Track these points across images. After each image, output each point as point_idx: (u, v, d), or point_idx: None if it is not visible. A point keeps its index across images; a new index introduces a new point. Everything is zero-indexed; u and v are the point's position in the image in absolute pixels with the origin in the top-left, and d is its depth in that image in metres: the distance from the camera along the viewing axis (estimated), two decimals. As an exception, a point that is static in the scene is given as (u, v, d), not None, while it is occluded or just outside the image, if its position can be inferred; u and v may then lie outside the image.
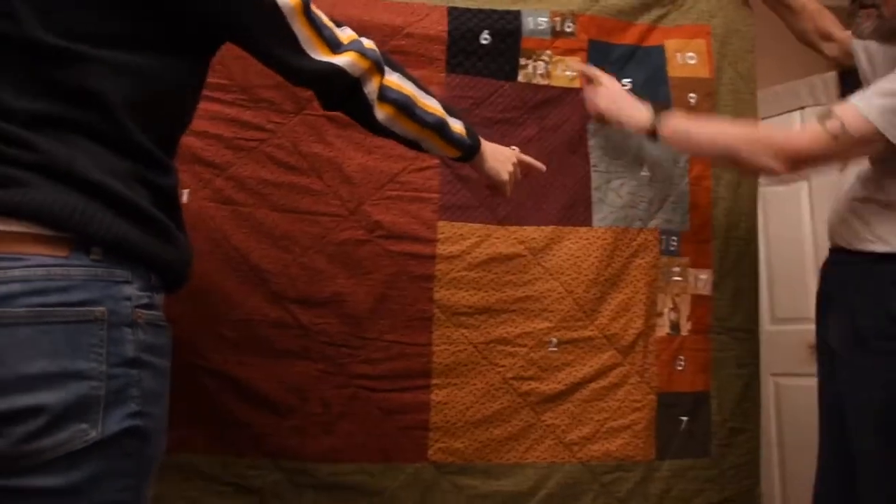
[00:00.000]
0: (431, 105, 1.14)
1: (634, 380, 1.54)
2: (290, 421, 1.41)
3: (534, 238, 1.55)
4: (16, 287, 0.75)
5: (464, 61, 1.54)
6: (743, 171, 1.55)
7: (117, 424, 0.79)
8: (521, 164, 1.35)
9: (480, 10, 1.56)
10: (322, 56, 0.98)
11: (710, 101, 1.65)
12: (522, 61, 1.57)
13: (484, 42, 1.54)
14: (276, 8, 0.92)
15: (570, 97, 1.60)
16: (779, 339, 2.59)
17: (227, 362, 1.39)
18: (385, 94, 1.07)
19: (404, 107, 1.10)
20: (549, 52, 1.59)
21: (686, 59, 1.65)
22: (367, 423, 1.43)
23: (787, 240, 2.71)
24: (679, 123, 1.43)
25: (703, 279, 1.61)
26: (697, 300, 1.61)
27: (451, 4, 1.55)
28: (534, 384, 1.50)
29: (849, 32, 1.55)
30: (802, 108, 2.67)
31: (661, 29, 1.66)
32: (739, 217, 1.66)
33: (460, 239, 1.52)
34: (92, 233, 0.79)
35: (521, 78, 1.57)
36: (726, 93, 1.67)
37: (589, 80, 1.56)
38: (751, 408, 1.63)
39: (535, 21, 1.58)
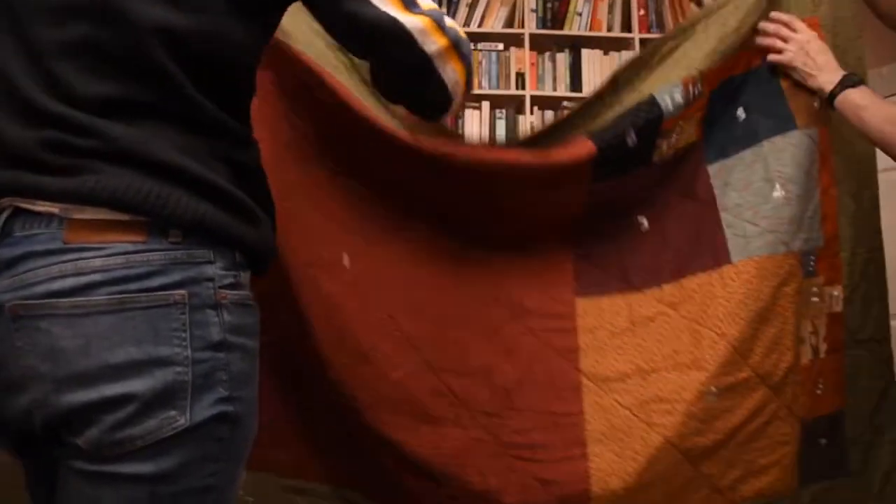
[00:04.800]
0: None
1: (783, 413, 1.48)
2: (446, 489, 1.40)
3: (673, 294, 1.50)
4: (96, 277, 0.76)
5: (610, 168, 1.49)
6: None
7: (206, 411, 0.79)
8: None
9: (616, 117, 1.49)
10: (389, 7, 0.88)
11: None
12: (658, 142, 1.51)
13: (631, 144, 1.47)
14: None
15: (688, 149, 1.54)
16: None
17: (387, 423, 1.38)
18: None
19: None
20: (680, 122, 1.51)
21: None
22: (526, 494, 1.41)
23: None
24: (859, 97, 1.37)
25: (835, 295, 1.54)
26: (832, 318, 1.54)
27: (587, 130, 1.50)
28: (695, 439, 1.43)
29: None
30: (909, 90, 2.51)
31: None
32: (864, 222, 1.58)
33: (599, 312, 1.51)
34: (168, 214, 0.78)
35: (655, 159, 1.51)
36: None
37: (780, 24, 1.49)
38: (888, 419, 1.55)
39: (672, 98, 1.49)
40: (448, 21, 0.93)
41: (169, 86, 0.80)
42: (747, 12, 1.53)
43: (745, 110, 1.54)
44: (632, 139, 1.47)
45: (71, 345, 0.76)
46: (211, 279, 0.80)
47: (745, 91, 1.55)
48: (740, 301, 1.46)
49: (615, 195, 1.52)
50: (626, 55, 3.64)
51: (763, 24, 1.52)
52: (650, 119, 1.48)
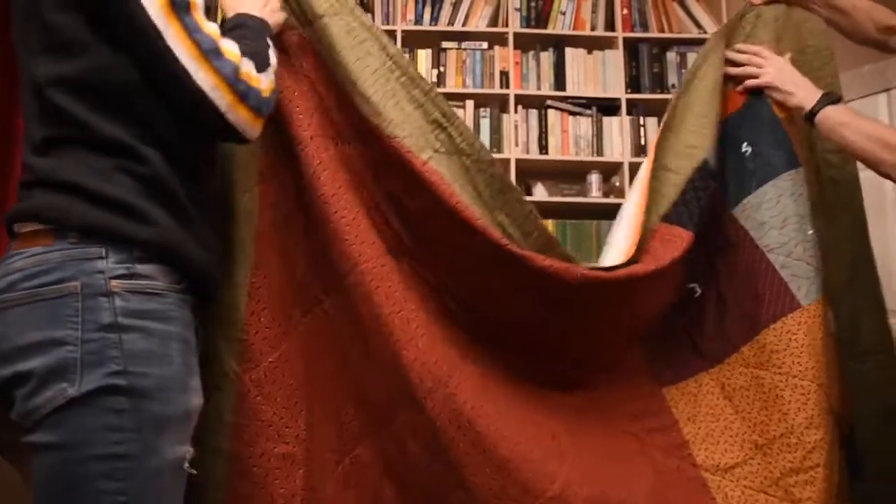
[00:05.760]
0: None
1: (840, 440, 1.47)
2: None
3: (755, 354, 1.45)
4: (17, 276, 0.96)
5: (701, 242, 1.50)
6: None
7: (95, 382, 0.92)
8: None
9: (681, 190, 1.49)
10: (189, 60, 1.00)
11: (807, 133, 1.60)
12: None
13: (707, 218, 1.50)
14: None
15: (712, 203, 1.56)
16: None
17: None
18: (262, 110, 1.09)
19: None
20: None
21: None
22: None
23: (872, 227, 2.58)
24: (839, 114, 1.43)
25: (830, 318, 1.54)
26: (834, 339, 1.54)
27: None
28: (833, 502, 1.38)
29: None
30: (889, 89, 2.55)
31: None
32: (839, 242, 1.60)
33: (692, 398, 1.46)
34: (65, 222, 0.97)
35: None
36: None
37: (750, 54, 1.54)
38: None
39: (716, 159, 1.52)
40: (243, 71, 1.04)
41: (75, 121, 0.99)
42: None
43: (749, 144, 1.55)
44: (702, 218, 1.48)
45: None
46: (101, 271, 0.96)
47: (744, 126, 1.57)
48: (823, 345, 1.42)
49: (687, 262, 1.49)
50: (609, 54, 3.65)
51: (731, 54, 1.55)
52: (710, 184, 1.49)
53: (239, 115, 1.03)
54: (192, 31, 0.99)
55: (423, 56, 3.63)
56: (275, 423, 1.31)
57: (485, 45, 3.65)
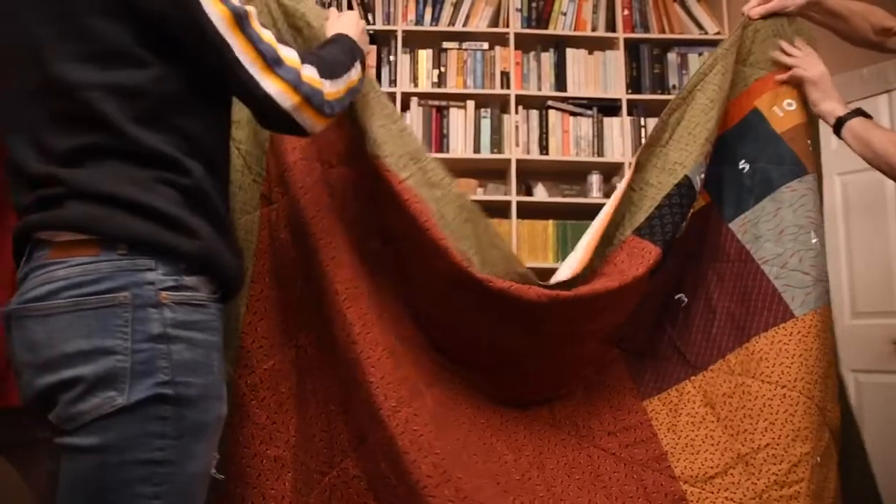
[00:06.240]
0: (351, 76, 1.23)
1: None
2: None
3: (743, 362, 1.43)
4: (60, 284, 0.95)
5: (663, 260, 1.49)
6: None
7: (144, 392, 0.94)
8: None
9: (656, 205, 1.48)
10: (255, 70, 1.05)
11: (815, 143, 1.60)
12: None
13: (680, 235, 1.49)
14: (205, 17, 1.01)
15: (701, 215, 1.56)
16: (859, 333, 2.48)
17: None
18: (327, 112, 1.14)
19: (345, 104, 1.22)
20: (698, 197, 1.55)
21: (785, 108, 1.58)
22: None
23: (869, 230, 2.59)
24: (865, 122, 1.48)
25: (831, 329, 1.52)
26: None
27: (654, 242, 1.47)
28: None
29: None
30: (889, 91, 2.55)
31: (744, 94, 1.60)
32: None
33: (672, 408, 1.44)
34: (112, 233, 0.97)
35: (678, 234, 1.51)
36: (813, 128, 1.62)
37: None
38: (849, 447, 1.53)
39: (701, 177, 1.51)
40: (305, 75, 1.10)
41: (112, 130, 0.99)
42: (729, 71, 1.56)
43: (747, 161, 1.55)
44: (681, 231, 1.48)
45: (41, 338, 0.95)
46: (152, 283, 0.97)
47: (742, 143, 1.57)
48: (817, 358, 1.40)
49: (655, 282, 1.49)
50: (610, 55, 3.66)
51: (787, 47, 1.57)
52: (688, 202, 1.49)
53: (304, 115, 1.09)
54: (255, 43, 1.04)
55: (424, 56, 3.64)
56: (267, 427, 1.36)
57: (485, 45, 3.66)
